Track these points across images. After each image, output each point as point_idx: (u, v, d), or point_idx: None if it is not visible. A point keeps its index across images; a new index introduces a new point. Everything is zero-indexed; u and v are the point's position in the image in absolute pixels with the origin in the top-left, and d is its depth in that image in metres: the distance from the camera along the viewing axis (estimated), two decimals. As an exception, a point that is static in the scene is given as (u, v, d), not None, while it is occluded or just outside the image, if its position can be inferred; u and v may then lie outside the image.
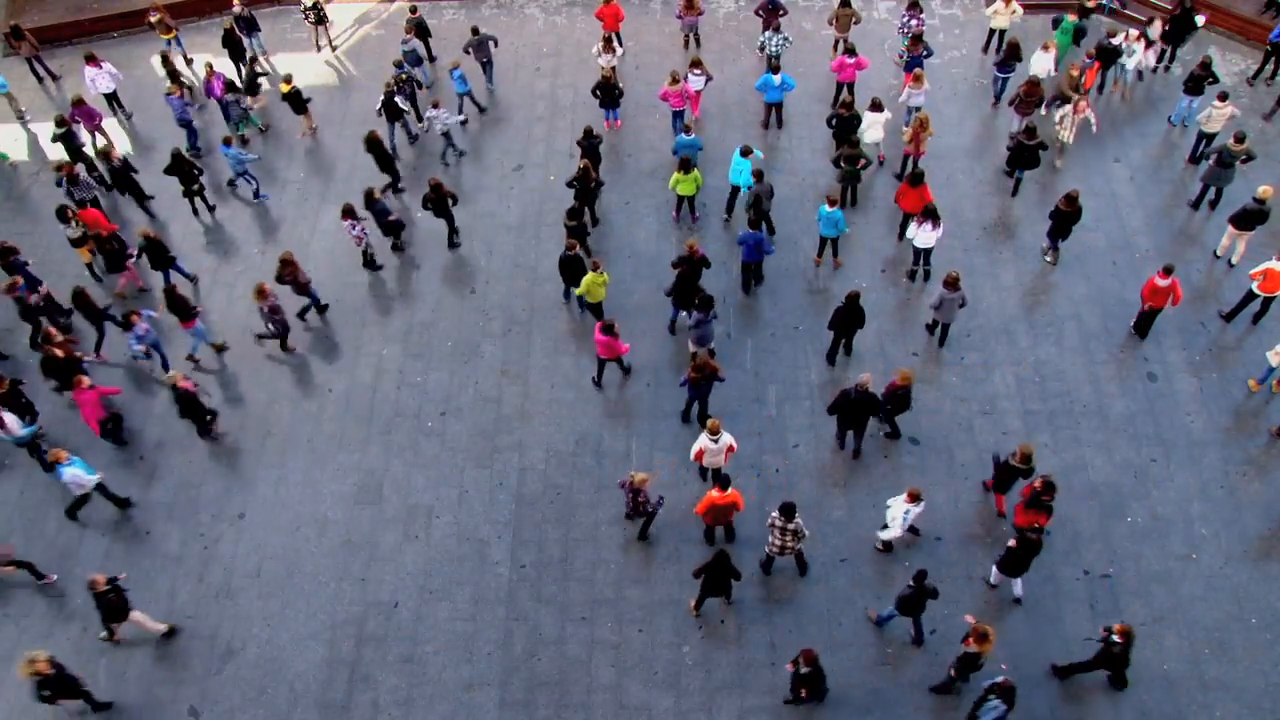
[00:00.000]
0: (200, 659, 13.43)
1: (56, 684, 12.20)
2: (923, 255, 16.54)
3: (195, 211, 17.90)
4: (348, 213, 16.47)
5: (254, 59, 19.63)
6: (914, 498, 13.06)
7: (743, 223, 17.35)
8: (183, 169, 17.08)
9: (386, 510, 14.70)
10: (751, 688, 12.97)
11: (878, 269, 17.01)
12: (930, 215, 15.85)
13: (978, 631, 11.67)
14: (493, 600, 13.81)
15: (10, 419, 14.40)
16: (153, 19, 20.08)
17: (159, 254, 16.33)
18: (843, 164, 17.01)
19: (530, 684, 13.08)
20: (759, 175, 16.46)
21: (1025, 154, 17.31)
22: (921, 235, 16.07)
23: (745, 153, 16.86)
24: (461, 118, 18.94)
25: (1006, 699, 11.39)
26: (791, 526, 12.84)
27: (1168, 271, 15.01)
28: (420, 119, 19.44)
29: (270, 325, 15.81)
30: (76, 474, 13.88)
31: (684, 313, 15.87)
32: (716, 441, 13.64)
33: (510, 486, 14.85)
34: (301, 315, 16.66)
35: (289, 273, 15.90)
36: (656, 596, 13.68)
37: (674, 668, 13.14)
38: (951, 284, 14.90)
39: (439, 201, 16.82)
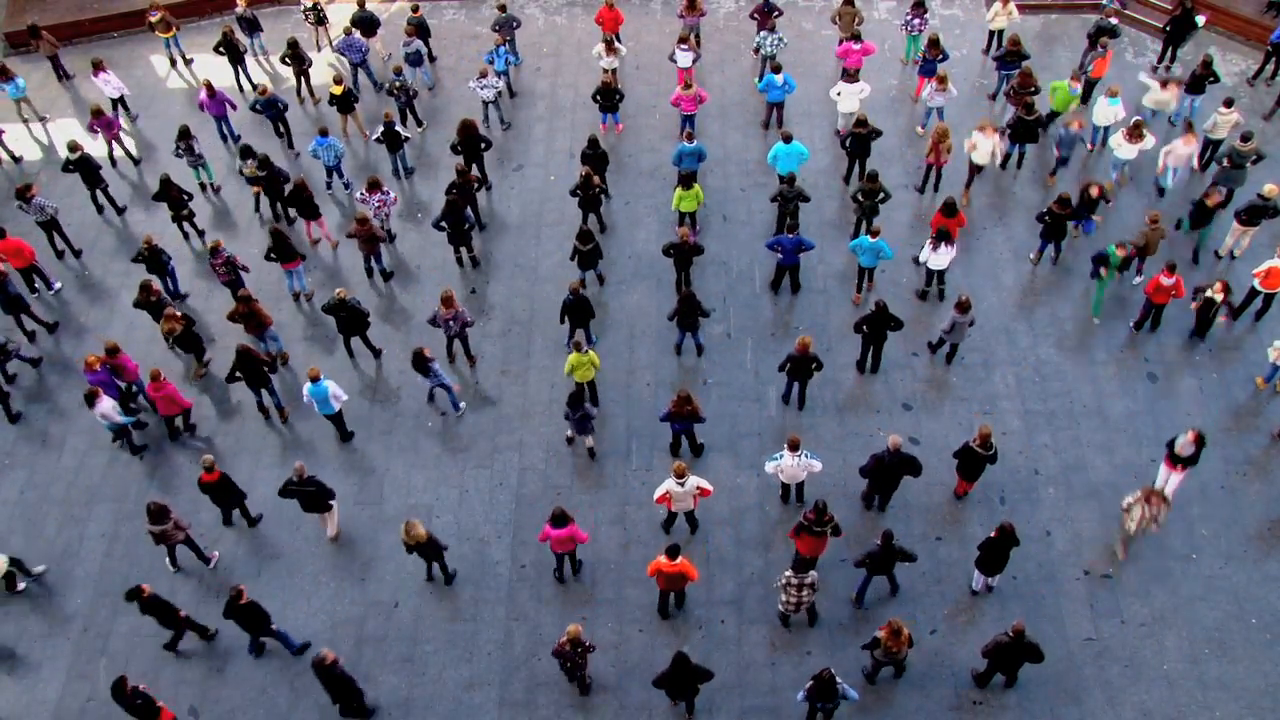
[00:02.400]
0: (200, 659, 13.43)
1: (431, 547, 13.14)
2: (936, 276, 16.34)
3: (185, 236, 17.80)
4: (373, 186, 16.56)
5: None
6: (793, 446, 13.20)
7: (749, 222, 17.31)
8: (170, 195, 16.89)
9: (386, 510, 14.70)
10: (751, 688, 12.97)
11: (879, 270, 16.97)
12: (943, 237, 15.61)
13: (892, 627, 11.80)
14: (493, 600, 13.81)
15: (109, 404, 14.38)
16: (153, 18, 19.99)
17: (156, 262, 16.29)
18: (860, 197, 16.58)
19: (530, 684, 13.08)
20: (792, 180, 16.44)
21: (1025, 130, 17.46)
22: (935, 257, 15.82)
23: (787, 139, 16.86)
24: (499, 85, 18.95)
25: (821, 690, 11.37)
26: (808, 580, 12.40)
27: (1171, 269, 15.02)
28: (420, 124, 19.47)
29: (454, 336, 15.67)
30: (336, 389, 14.39)
31: (688, 334, 15.83)
32: (683, 485, 13.02)
33: (510, 486, 14.85)
34: (385, 277, 17.09)
35: (364, 231, 16.05)
36: (656, 596, 13.67)
37: (674, 668, 13.14)
38: (963, 307, 14.64)
39: (464, 188, 16.85)
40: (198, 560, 14.17)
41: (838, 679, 11.27)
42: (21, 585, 14.02)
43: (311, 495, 13.66)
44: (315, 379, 14.29)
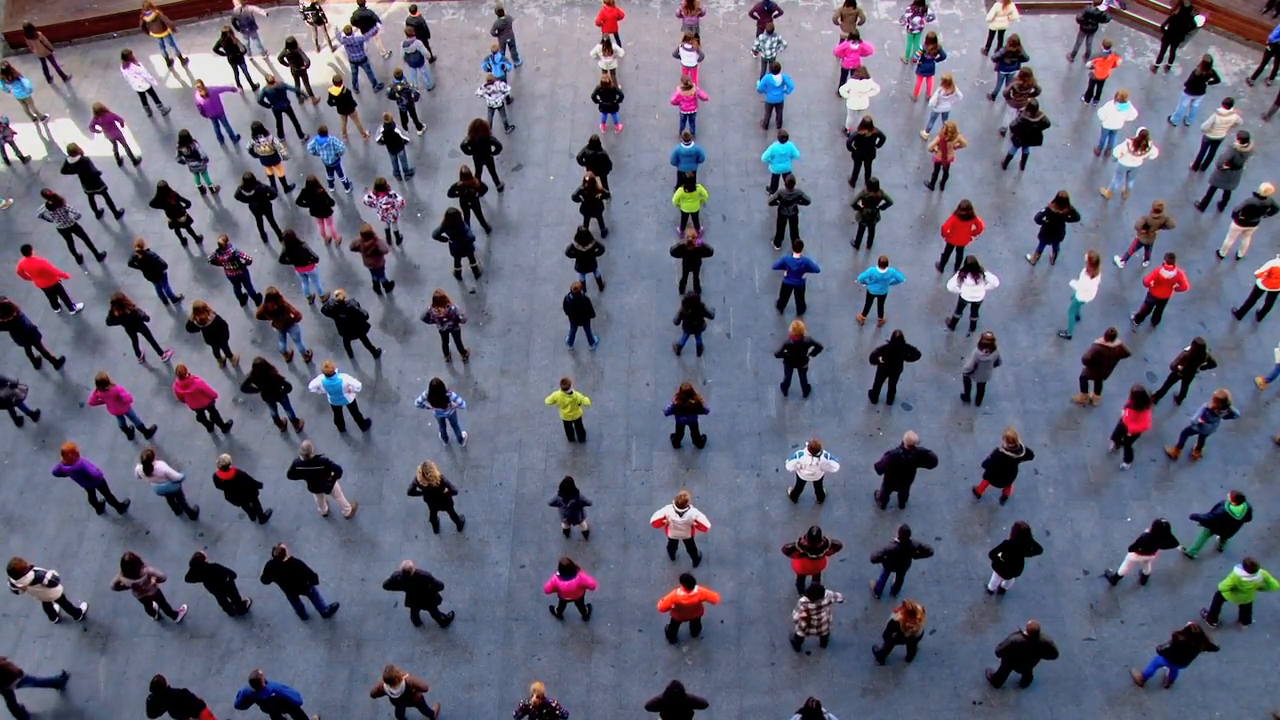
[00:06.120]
0: (200, 659, 13.43)
1: (443, 493, 13.44)
2: (970, 306, 15.90)
3: (184, 243, 17.76)
4: (380, 188, 16.52)
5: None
6: (813, 449, 13.25)
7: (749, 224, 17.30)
8: (167, 202, 16.80)
9: (386, 510, 14.70)
10: (751, 688, 12.97)
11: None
12: (972, 269, 15.12)
13: (908, 606, 11.87)
14: (493, 600, 13.81)
15: (162, 467, 13.79)
16: (148, 17, 19.88)
17: (152, 268, 16.25)
18: (861, 205, 16.43)
19: (530, 684, 13.04)
20: (791, 182, 16.43)
21: (1028, 131, 17.42)
22: (967, 289, 15.34)
23: (783, 139, 16.84)
24: (508, 90, 19.00)
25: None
26: (825, 602, 12.18)
27: (1171, 261, 15.01)
28: (420, 126, 19.47)
29: (448, 331, 15.68)
30: (350, 380, 14.53)
31: (690, 336, 15.83)
32: (682, 515, 12.78)
33: (510, 486, 14.85)
34: (387, 288, 17.05)
35: (369, 245, 16.00)
36: (656, 597, 13.67)
37: (674, 668, 13.14)
38: (988, 344, 14.20)
39: (467, 193, 16.82)
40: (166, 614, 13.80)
41: (824, 709, 11.20)
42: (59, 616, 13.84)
43: (319, 474, 13.70)
44: (330, 374, 14.34)
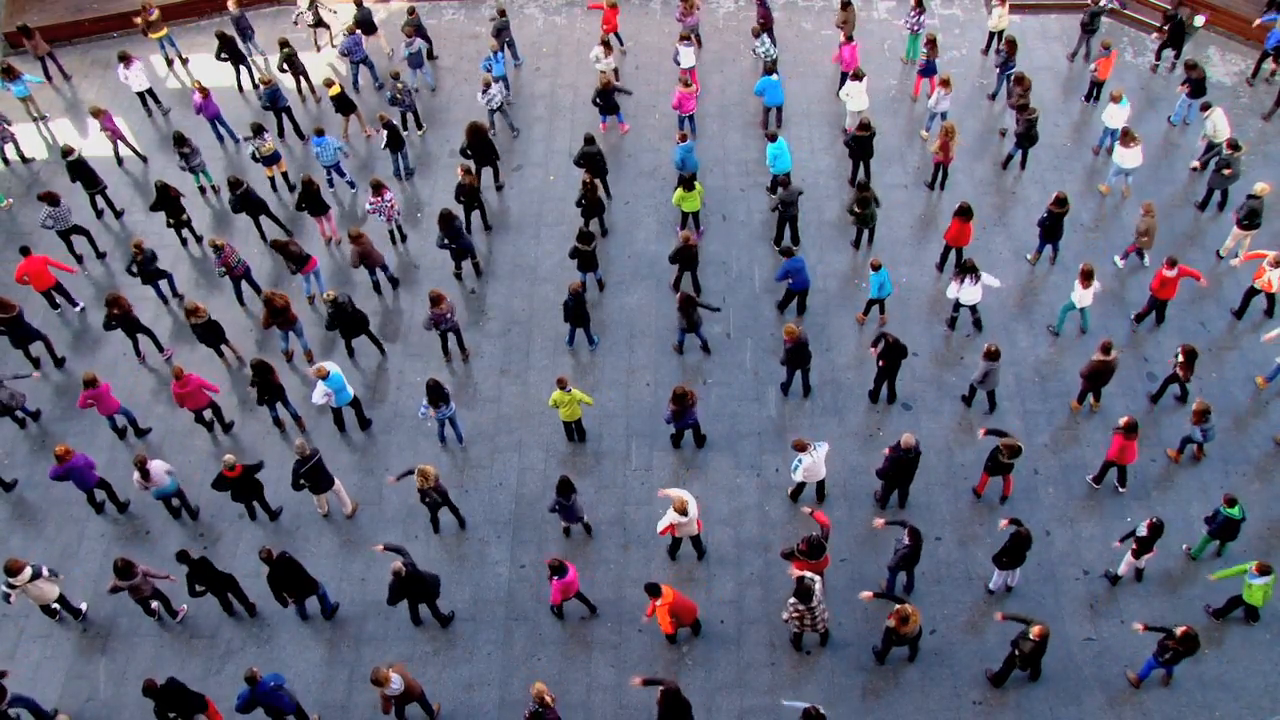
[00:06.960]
0: (200, 659, 13.43)
1: (442, 491, 13.60)
2: (968, 306, 15.90)
3: (184, 243, 17.75)
4: (379, 188, 16.53)
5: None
6: (799, 447, 13.31)
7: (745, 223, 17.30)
8: (168, 202, 16.78)
9: (386, 510, 14.70)
10: (751, 687, 12.97)
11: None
12: (969, 271, 15.17)
13: (900, 613, 11.90)
14: (493, 600, 13.81)
15: (159, 465, 13.74)
16: (151, 17, 19.82)
17: (149, 268, 16.22)
18: (856, 209, 16.44)
19: (530, 684, 13.04)
20: (786, 182, 16.36)
21: (1030, 132, 17.50)
22: (965, 292, 15.36)
23: (772, 138, 16.89)
24: (506, 90, 19.02)
25: None
26: (815, 603, 12.20)
27: (1172, 263, 15.03)
28: (421, 126, 19.47)
29: (448, 331, 15.66)
30: (329, 365, 14.51)
31: (691, 334, 15.83)
32: (686, 515, 12.96)
33: (510, 486, 14.85)
34: (393, 284, 17.09)
35: (361, 246, 15.97)
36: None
37: (674, 668, 13.14)
38: (993, 355, 14.20)
39: (471, 192, 16.83)
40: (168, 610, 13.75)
41: (825, 715, 11.21)
42: (60, 615, 13.74)
43: (321, 465, 13.64)
44: (325, 376, 14.29)
